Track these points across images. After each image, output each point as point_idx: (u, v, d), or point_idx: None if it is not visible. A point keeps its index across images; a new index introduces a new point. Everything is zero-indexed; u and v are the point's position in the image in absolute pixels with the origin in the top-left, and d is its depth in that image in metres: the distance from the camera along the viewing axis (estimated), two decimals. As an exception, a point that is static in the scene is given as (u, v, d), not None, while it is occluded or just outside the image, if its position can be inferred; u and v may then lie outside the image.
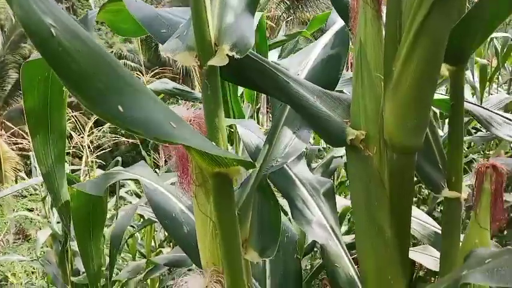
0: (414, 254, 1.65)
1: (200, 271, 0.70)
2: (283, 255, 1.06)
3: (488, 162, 0.83)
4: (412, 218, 1.16)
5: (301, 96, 0.64)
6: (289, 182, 1.05)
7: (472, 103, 1.31)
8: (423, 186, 3.22)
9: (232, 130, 2.10)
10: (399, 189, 0.62)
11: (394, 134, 0.59)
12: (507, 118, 1.15)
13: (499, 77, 4.07)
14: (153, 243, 3.58)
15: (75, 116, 3.56)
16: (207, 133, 0.62)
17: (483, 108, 1.19)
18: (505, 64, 3.47)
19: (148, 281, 3.93)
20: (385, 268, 0.66)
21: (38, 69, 1.16)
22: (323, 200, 1.04)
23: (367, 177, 0.62)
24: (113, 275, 3.17)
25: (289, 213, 1.05)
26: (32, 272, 6.07)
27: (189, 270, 0.70)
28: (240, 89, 2.09)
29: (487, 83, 3.26)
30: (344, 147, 0.64)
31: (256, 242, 0.74)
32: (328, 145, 3.42)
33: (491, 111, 1.19)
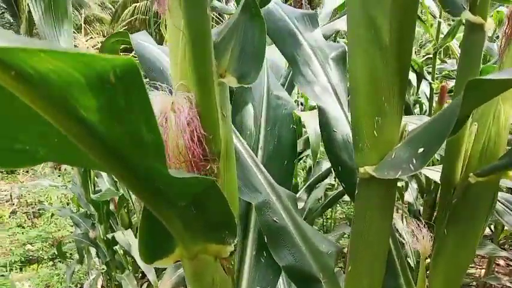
0: (429, 172, 1.54)
1: (170, 89, 0.62)
2: (279, 127, 0.97)
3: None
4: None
5: None
6: (295, 44, 0.94)
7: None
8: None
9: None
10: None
11: None
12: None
13: None
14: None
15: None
16: None
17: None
18: None
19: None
20: (378, 85, 0.55)
21: None
22: (330, 65, 0.93)
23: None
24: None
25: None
26: (67, 203, 6.31)
27: (156, 88, 0.61)
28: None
29: None
30: None
31: (236, 65, 0.65)
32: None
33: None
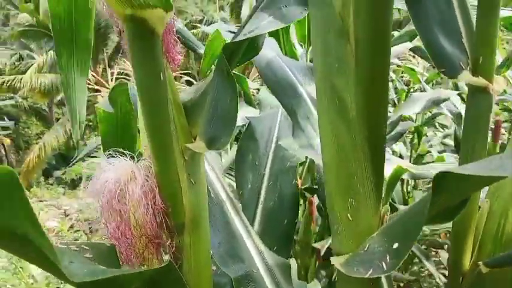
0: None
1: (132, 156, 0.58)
2: (281, 182, 0.90)
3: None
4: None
5: None
6: (296, 97, 0.87)
7: None
8: None
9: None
10: (370, 43, 0.43)
11: None
12: None
13: None
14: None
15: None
16: None
17: None
18: None
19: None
20: (348, 162, 0.47)
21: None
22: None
23: (325, 23, 0.43)
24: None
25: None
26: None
27: (122, 153, 0.57)
28: (292, 28, 1.88)
29: None
30: None
31: (206, 130, 0.60)
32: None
33: None
